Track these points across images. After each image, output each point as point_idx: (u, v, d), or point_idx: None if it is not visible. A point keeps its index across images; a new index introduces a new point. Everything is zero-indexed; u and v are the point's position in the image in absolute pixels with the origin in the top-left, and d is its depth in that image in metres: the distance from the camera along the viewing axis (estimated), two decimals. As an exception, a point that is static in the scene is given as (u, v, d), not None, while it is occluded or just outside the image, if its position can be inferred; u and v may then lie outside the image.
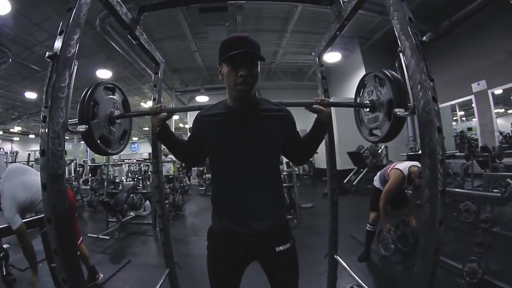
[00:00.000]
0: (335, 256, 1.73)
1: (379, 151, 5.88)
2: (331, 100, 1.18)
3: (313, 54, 1.71)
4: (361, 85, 1.26)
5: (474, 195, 1.78)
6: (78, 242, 2.20)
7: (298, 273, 1.12)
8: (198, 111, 1.13)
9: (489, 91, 5.63)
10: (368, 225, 2.58)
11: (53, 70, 0.75)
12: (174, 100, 10.11)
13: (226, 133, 1.04)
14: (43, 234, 2.00)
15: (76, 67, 0.78)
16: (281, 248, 1.06)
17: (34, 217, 2.07)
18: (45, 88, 0.75)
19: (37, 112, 11.59)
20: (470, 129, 6.49)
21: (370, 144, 6.31)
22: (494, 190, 2.68)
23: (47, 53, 0.74)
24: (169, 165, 6.48)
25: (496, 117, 5.65)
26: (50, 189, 0.78)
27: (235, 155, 1.04)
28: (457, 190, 1.98)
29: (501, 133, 5.69)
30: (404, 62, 0.89)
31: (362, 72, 7.98)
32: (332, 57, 7.10)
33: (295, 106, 1.13)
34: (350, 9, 1.27)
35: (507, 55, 5.27)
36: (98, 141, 1.07)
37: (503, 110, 5.88)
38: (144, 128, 17.96)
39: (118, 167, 9.35)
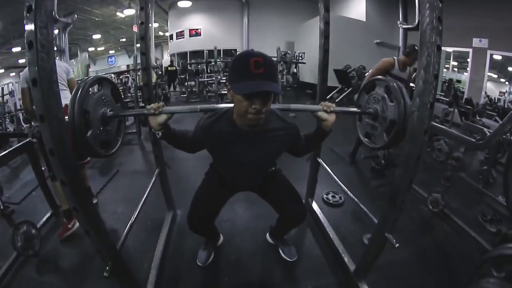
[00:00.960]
0: (317, 158, 1.84)
1: (366, 74, 5.93)
2: (335, 105, 1.08)
3: None
4: (370, 85, 1.18)
5: (453, 133, 1.89)
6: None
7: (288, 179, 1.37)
8: (202, 119, 1.11)
9: (489, 51, 5.53)
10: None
11: None
12: (154, 7, 9.49)
13: (231, 152, 1.08)
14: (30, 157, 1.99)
15: None
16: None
17: (23, 142, 2.03)
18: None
19: (4, 43, 10.39)
20: (459, 81, 6.52)
21: (358, 65, 6.34)
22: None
23: None
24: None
25: (488, 80, 5.68)
26: (41, 83, 0.72)
27: (238, 167, 1.17)
28: (438, 125, 2.08)
29: (487, 96, 5.80)
30: None
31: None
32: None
33: (301, 111, 1.11)
34: None
35: (520, 25, 4.98)
36: (98, 148, 0.99)
37: (496, 76, 5.86)
38: (121, 40, 16.32)
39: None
